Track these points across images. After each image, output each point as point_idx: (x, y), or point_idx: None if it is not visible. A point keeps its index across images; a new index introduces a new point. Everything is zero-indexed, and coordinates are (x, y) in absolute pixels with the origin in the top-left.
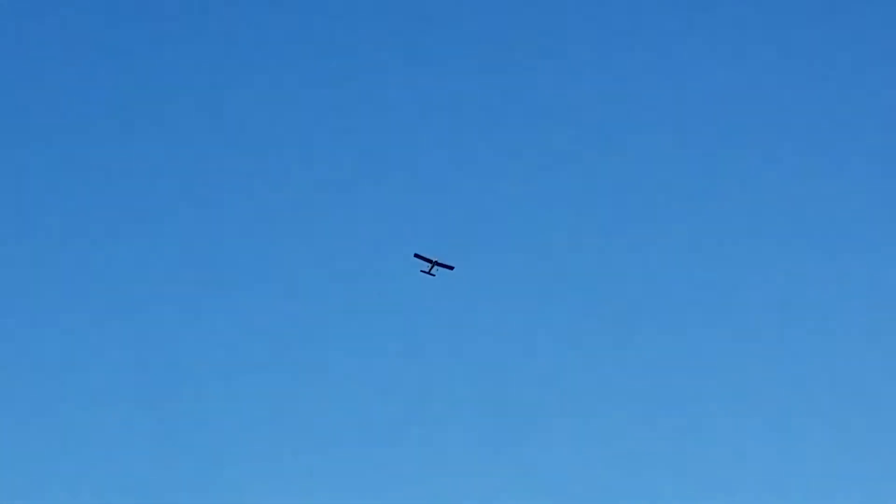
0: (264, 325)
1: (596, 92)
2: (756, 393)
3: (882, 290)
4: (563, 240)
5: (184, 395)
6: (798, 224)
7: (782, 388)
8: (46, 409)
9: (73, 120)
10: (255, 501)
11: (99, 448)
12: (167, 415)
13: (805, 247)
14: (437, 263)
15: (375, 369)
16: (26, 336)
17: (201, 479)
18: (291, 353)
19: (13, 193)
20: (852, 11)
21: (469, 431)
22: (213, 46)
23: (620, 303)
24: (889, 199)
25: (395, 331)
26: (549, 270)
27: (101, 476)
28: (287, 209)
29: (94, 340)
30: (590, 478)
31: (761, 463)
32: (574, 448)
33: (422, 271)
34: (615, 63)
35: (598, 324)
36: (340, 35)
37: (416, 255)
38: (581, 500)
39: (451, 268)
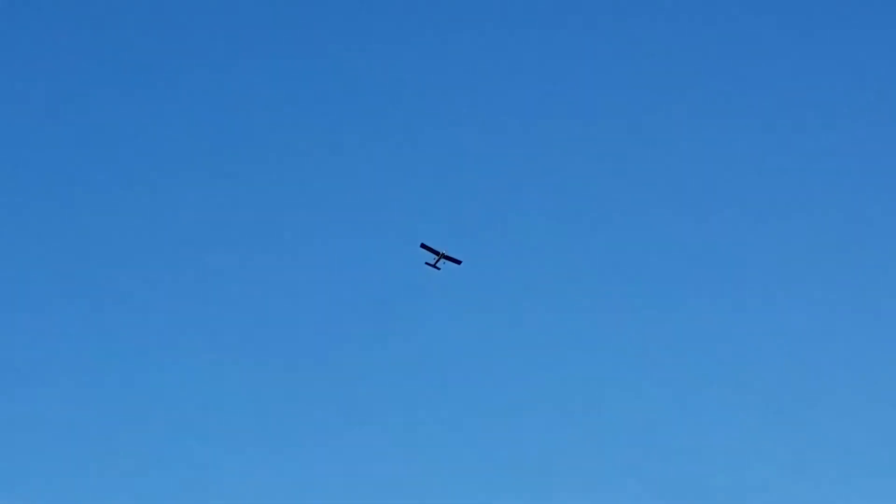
0: (269, 322)
1: (601, 84)
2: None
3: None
4: (574, 235)
5: (181, 393)
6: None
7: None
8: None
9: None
10: (253, 501)
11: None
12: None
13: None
14: (443, 256)
15: (379, 364)
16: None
17: (200, 479)
18: (294, 349)
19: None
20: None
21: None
22: (214, 42)
23: (627, 297)
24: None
25: (400, 324)
26: (559, 266)
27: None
28: (294, 201)
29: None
30: (593, 474)
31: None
32: (577, 444)
33: (427, 263)
34: (618, 61)
35: (607, 318)
36: (347, 28)
37: (423, 246)
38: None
39: (458, 262)
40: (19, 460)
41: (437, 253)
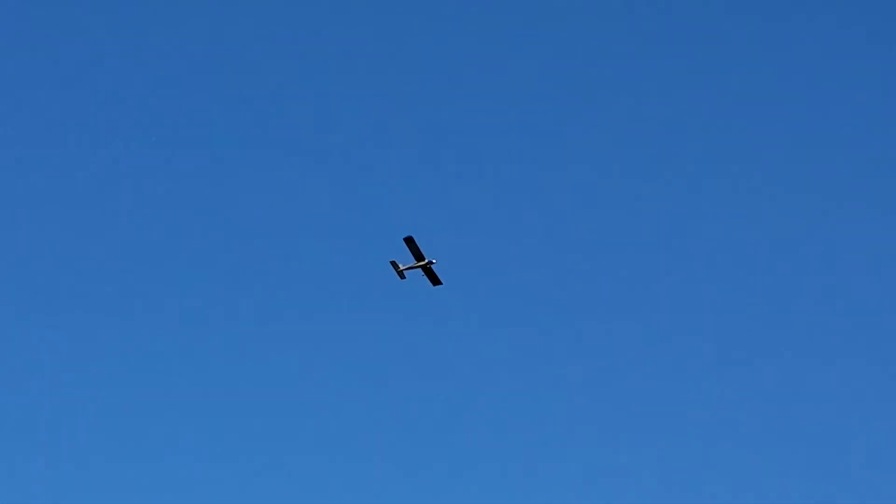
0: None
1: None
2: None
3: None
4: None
5: (178, 393)
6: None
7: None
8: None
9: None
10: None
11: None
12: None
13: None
14: (424, 268)
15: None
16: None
17: (199, 479)
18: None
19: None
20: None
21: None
22: (212, 43)
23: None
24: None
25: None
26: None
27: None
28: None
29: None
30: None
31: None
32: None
33: (392, 263)
34: (607, 59)
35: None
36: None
37: (408, 241)
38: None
39: (438, 282)
40: None
41: (420, 258)
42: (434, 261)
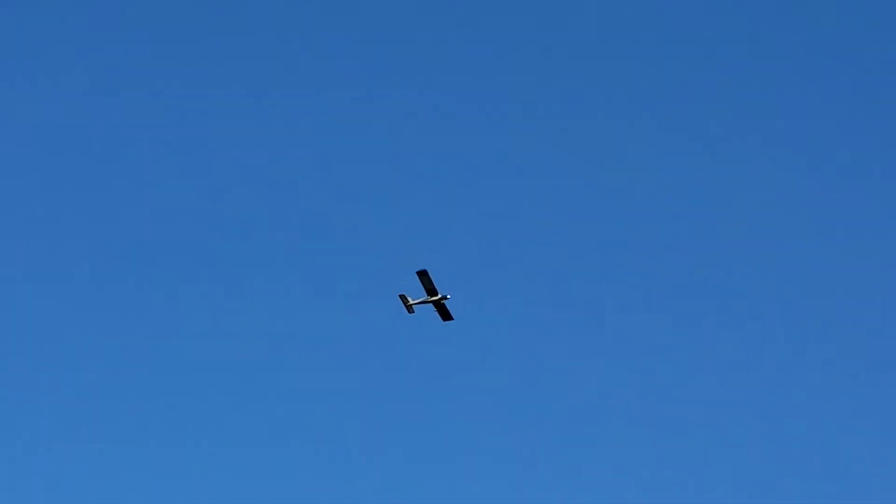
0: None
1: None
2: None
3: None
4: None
5: (178, 398)
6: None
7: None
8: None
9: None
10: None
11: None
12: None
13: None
14: (437, 303)
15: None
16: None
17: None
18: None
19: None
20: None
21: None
22: (216, 44)
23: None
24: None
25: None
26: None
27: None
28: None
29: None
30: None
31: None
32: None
33: (400, 296)
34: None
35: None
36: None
37: (421, 274)
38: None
39: (449, 317)
40: None
41: (432, 292)
42: (448, 296)
